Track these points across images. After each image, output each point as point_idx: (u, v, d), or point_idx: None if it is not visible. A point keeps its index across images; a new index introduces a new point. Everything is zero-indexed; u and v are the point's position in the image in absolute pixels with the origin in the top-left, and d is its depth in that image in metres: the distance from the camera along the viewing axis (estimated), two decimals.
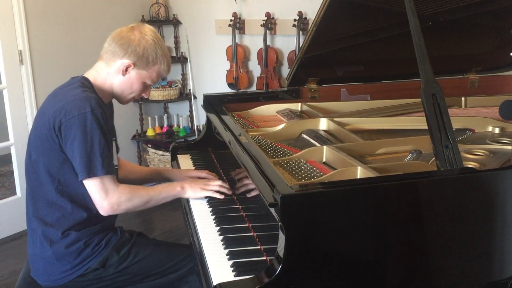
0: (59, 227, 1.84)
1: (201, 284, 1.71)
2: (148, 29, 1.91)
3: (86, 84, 1.88)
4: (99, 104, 1.80)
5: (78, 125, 1.74)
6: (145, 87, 1.96)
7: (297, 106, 2.45)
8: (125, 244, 1.90)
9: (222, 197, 1.92)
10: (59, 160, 1.81)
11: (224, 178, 2.14)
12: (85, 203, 1.85)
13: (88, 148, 1.75)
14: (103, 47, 1.91)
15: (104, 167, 1.76)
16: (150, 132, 4.48)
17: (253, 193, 1.87)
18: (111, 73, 1.90)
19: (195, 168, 2.31)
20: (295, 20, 3.59)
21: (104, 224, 1.90)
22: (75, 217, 1.84)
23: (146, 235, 2.16)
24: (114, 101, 2.05)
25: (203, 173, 2.13)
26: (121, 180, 2.19)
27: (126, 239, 1.93)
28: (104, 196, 1.78)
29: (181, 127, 4.52)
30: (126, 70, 1.88)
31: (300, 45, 3.35)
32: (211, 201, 1.94)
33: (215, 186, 1.94)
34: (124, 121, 4.34)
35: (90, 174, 1.76)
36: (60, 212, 1.84)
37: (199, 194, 1.94)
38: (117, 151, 2.07)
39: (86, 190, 1.82)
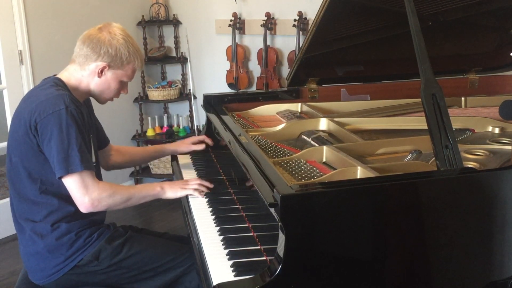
0: (48, 221, 1.85)
1: (201, 284, 1.71)
2: (116, 27, 1.93)
3: (59, 83, 1.89)
4: (73, 101, 1.82)
5: (53, 123, 1.75)
6: (122, 85, 1.99)
7: (297, 107, 2.45)
8: (118, 238, 1.91)
9: (202, 195, 1.96)
10: (40, 161, 1.82)
11: (224, 178, 2.14)
12: (70, 199, 1.85)
13: (65, 145, 1.75)
14: (74, 51, 1.93)
15: (83, 162, 1.77)
16: (150, 132, 4.48)
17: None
18: (86, 75, 1.92)
19: (195, 168, 2.32)
20: (295, 20, 3.59)
21: (94, 219, 1.91)
22: (63, 211, 1.85)
23: (145, 230, 2.15)
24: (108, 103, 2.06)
25: (202, 137, 2.29)
26: (124, 164, 2.31)
27: (119, 233, 1.94)
28: (84, 192, 1.78)
29: (181, 127, 4.52)
30: (101, 72, 1.91)
31: (300, 45, 3.36)
32: (211, 200, 1.94)
33: (194, 185, 1.97)
34: (124, 121, 4.34)
35: (69, 170, 1.76)
36: (47, 209, 1.85)
37: (179, 194, 1.97)
38: (97, 147, 2.09)
39: None
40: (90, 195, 1.79)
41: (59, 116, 1.75)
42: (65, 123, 1.75)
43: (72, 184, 1.78)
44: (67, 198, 1.85)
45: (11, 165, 1.89)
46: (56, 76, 1.94)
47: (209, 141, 2.32)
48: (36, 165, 1.83)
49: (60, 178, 1.78)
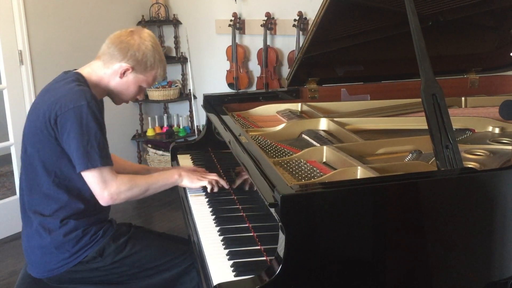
0: (57, 217, 1.87)
1: (201, 284, 1.71)
2: (147, 34, 1.96)
3: (80, 78, 1.91)
4: (93, 97, 1.83)
5: (74, 118, 1.77)
6: (140, 90, 2.03)
7: (297, 106, 2.45)
8: (122, 236, 1.93)
9: (216, 189, 1.97)
10: (55, 153, 1.84)
11: (224, 178, 2.14)
12: (81, 195, 1.88)
13: (84, 140, 1.77)
14: (101, 48, 1.95)
15: (102, 158, 1.79)
16: (150, 132, 4.48)
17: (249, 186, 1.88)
18: (108, 74, 1.94)
19: None
20: (295, 20, 3.59)
21: (99, 217, 1.93)
22: (72, 207, 1.87)
23: (145, 228, 2.15)
24: (108, 101, 2.06)
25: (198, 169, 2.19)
26: None
27: (123, 231, 1.96)
28: (103, 186, 1.81)
29: (181, 127, 4.52)
30: (123, 73, 1.93)
31: (300, 45, 3.36)
32: (211, 200, 1.94)
33: (211, 179, 1.99)
34: (124, 121, 4.34)
35: (89, 165, 1.78)
36: (57, 204, 1.87)
37: (195, 184, 1.98)
38: None
39: (82, 183, 1.85)
40: (109, 189, 1.82)
41: (80, 111, 1.77)
42: (86, 118, 1.77)
43: (92, 179, 1.81)
44: (77, 195, 1.87)
45: (26, 156, 1.91)
46: (77, 71, 1.95)
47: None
48: (52, 157, 1.84)
49: (79, 172, 1.81)
